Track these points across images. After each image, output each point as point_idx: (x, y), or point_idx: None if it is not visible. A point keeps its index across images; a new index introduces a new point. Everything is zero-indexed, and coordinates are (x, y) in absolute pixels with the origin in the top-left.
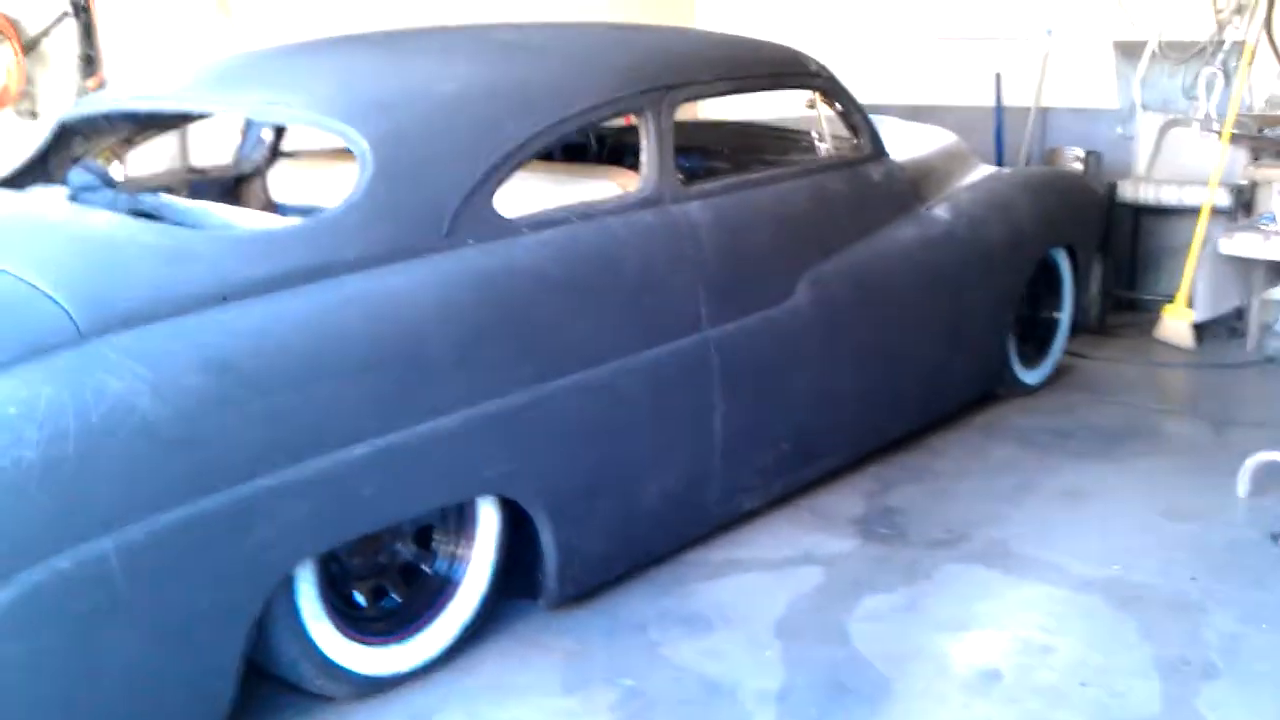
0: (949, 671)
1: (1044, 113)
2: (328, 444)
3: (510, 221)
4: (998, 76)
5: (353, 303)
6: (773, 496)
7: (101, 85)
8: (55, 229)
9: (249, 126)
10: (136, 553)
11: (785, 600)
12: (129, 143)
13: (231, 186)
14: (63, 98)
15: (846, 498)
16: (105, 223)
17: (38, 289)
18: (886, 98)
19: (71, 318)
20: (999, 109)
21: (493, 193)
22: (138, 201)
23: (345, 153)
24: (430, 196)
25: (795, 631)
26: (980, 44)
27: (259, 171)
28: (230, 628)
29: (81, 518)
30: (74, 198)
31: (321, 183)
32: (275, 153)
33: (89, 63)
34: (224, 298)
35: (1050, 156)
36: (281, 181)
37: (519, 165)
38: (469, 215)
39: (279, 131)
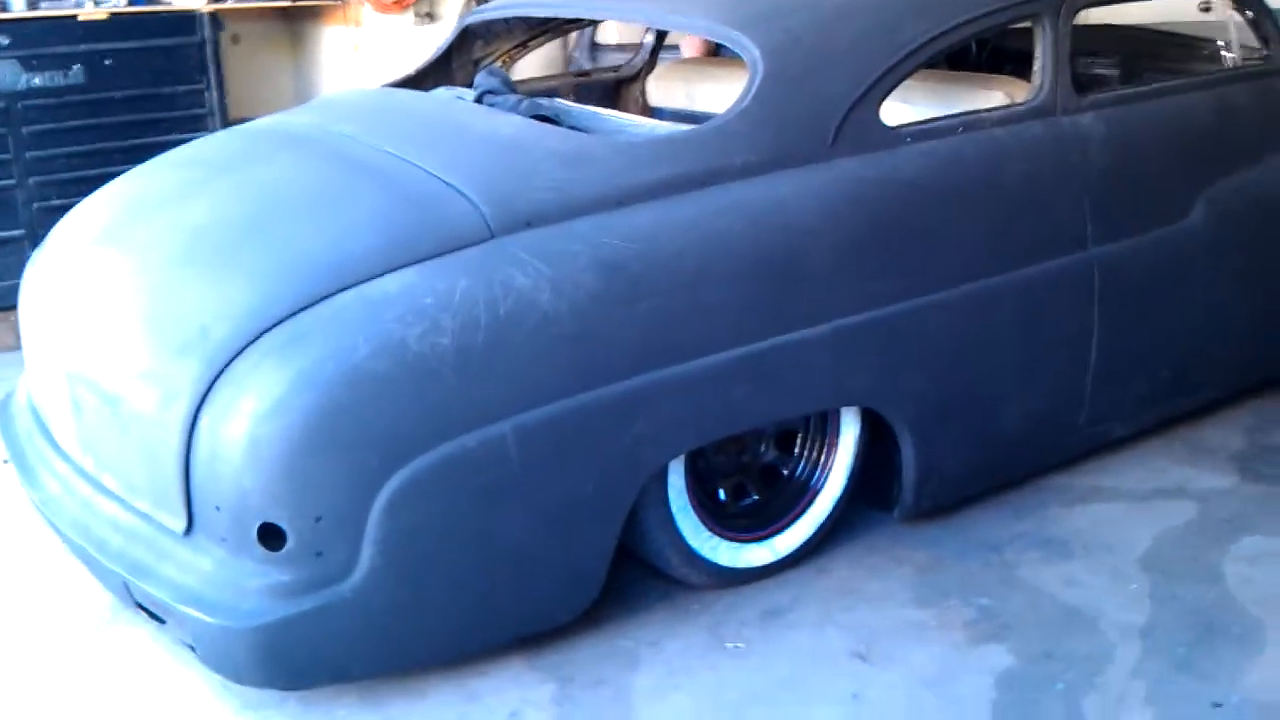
0: None
1: None
2: (707, 346)
3: (895, 131)
4: None
5: (738, 211)
6: (1145, 425)
7: None
8: (466, 131)
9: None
10: (531, 437)
11: (1153, 534)
12: (524, 46)
13: (612, 90)
14: (458, 2)
15: (1225, 432)
16: (511, 126)
17: (453, 187)
18: None
19: (484, 216)
20: None
21: (879, 102)
22: (538, 106)
23: (721, 59)
24: (817, 105)
25: (1163, 567)
26: None
27: (638, 76)
28: (608, 512)
29: (486, 402)
30: (479, 100)
31: (698, 88)
32: (654, 57)
33: None
34: (619, 201)
35: None
36: (659, 86)
37: (907, 74)
38: (854, 125)
39: (660, 37)
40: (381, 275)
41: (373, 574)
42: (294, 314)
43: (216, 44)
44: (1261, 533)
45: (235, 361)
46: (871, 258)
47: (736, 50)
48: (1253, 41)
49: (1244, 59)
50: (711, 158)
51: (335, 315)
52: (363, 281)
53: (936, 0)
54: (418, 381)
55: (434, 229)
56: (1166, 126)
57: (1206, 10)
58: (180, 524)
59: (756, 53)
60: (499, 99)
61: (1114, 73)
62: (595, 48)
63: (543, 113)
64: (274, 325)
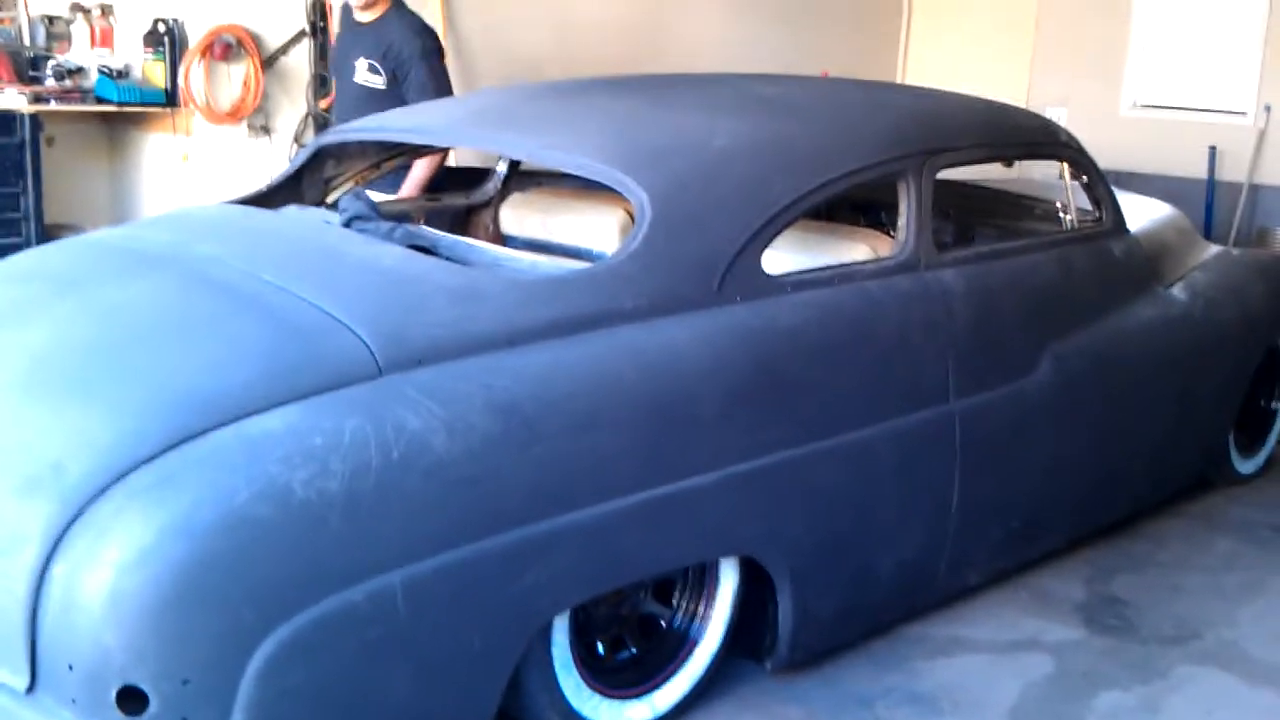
0: None
1: (1256, 190)
2: (598, 493)
3: (775, 280)
4: (1212, 150)
5: (629, 354)
6: (996, 573)
7: (331, 106)
8: (343, 259)
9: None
10: (420, 589)
11: (1016, 689)
12: (377, 168)
13: (464, 216)
14: (293, 116)
15: (1066, 581)
16: (391, 256)
17: (338, 319)
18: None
19: (372, 352)
20: (1211, 183)
21: (761, 250)
22: (413, 235)
23: (574, 189)
24: (704, 251)
25: None
26: (1189, 116)
27: (491, 203)
28: (495, 669)
29: (375, 552)
30: (347, 225)
31: (554, 219)
32: (506, 187)
33: (322, 83)
34: (510, 340)
35: (1261, 235)
36: (513, 215)
37: (787, 224)
38: (739, 272)
39: (513, 166)
40: (262, 411)
41: None
42: (163, 451)
43: (36, 146)
44: (1117, 687)
45: (95, 503)
46: (756, 405)
47: (622, 192)
48: (1086, 204)
49: (1081, 220)
50: (602, 299)
51: (211, 454)
52: (240, 418)
53: (807, 156)
54: (303, 530)
55: (318, 363)
56: (1017, 284)
57: (1009, 166)
58: (22, 682)
59: (644, 196)
60: (369, 225)
61: (968, 228)
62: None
63: (418, 242)
64: (140, 463)
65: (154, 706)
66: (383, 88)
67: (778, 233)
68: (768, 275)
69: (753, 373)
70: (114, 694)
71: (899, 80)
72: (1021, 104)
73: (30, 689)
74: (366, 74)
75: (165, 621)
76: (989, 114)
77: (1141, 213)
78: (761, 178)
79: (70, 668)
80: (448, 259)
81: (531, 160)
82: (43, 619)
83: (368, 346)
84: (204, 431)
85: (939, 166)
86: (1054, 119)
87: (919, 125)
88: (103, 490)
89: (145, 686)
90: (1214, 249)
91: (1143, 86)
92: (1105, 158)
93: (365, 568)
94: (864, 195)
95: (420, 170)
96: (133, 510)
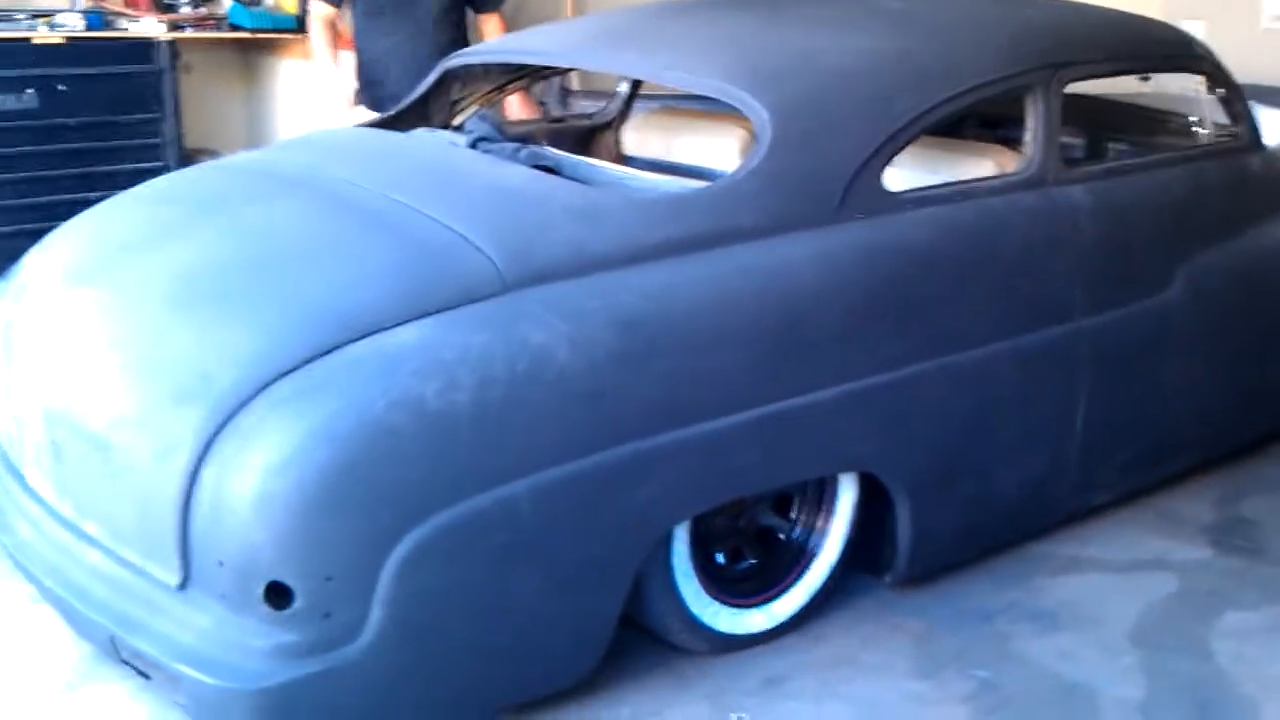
0: None
1: None
2: (718, 408)
3: (896, 197)
4: None
5: (748, 272)
6: (1123, 493)
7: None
8: (471, 179)
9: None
10: (545, 498)
11: (1138, 606)
12: (501, 90)
13: (586, 137)
14: None
15: (1196, 503)
16: (517, 176)
17: (465, 238)
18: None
19: (498, 269)
20: None
21: (882, 167)
22: (537, 155)
23: (694, 109)
24: (824, 169)
25: (1153, 641)
26: None
27: (612, 124)
28: (616, 575)
29: (501, 461)
30: (474, 146)
31: (675, 140)
32: (628, 107)
33: None
34: (632, 259)
35: None
36: (635, 135)
37: (909, 141)
38: (858, 189)
39: (635, 86)
40: (395, 326)
41: (381, 636)
42: (304, 364)
43: (174, 73)
44: (1244, 608)
45: (241, 411)
46: (874, 323)
47: (744, 111)
48: (1223, 119)
49: (1216, 135)
50: (722, 217)
51: (350, 366)
52: (376, 332)
53: (932, 71)
54: (435, 439)
55: (448, 280)
56: (1149, 200)
57: (1146, 80)
58: (175, 578)
59: (766, 115)
60: (494, 146)
61: (1100, 143)
62: (566, 93)
63: (543, 163)
64: (283, 375)
65: (299, 601)
66: None
67: (899, 150)
68: (889, 192)
69: (872, 290)
70: (262, 589)
71: None
72: (1157, 17)
73: (183, 585)
74: None
75: (308, 522)
76: (1120, 26)
77: None
78: (882, 95)
79: (220, 564)
80: (571, 179)
81: (653, 80)
82: (194, 520)
83: (494, 263)
84: (341, 345)
85: (1067, 81)
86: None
87: (1047, 39)
88: (249, 400)
89: (291, 582)
90: None
91: None
92: (1245, 72)
93: (493, 475)
94: (994, 110)
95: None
96: (277, 418)
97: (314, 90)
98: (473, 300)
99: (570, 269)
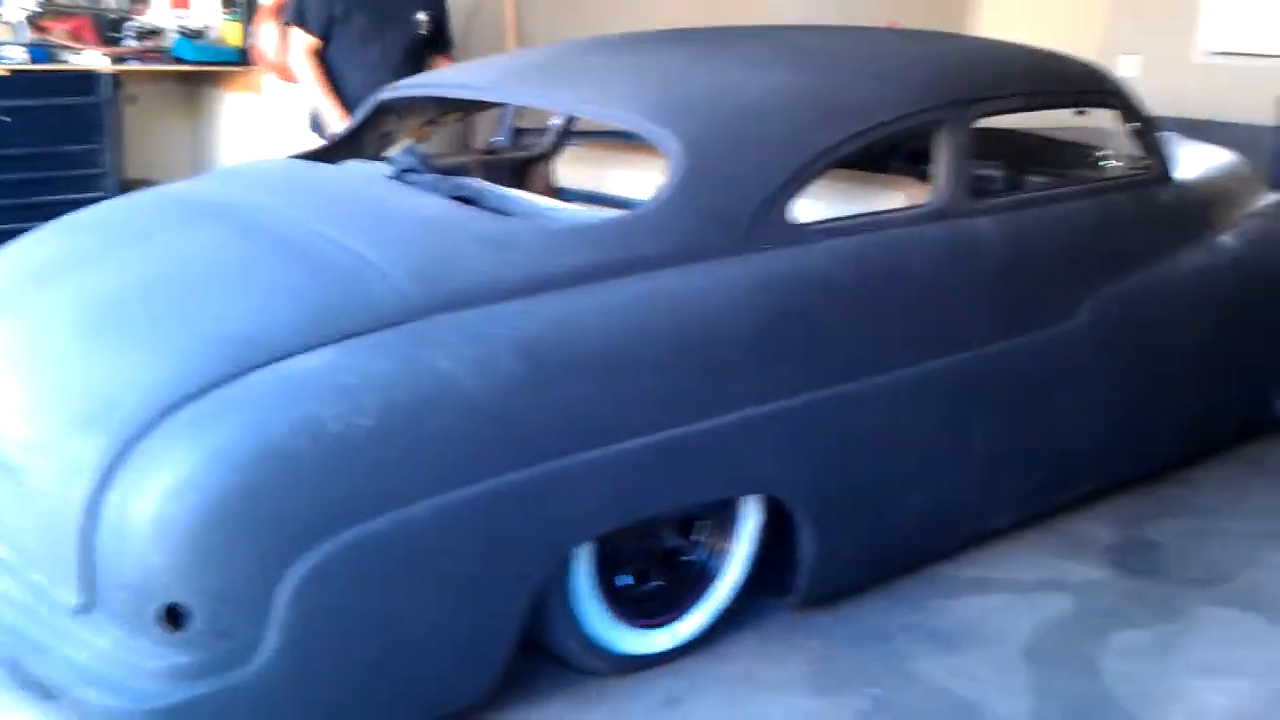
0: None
1: None
2: (623, 432)
3: (803, 228)
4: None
5: (654, 300)
6: (1025, 516)
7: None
8: (389, 209)
9: (503, 116)
10: (447, 520)
11: (1034, 626)
12: (434, 123)
13: (520, 169)
14: None
15: (1099, 525)
16: (434, 206)
17: (377, 266)
18: (1155, 110)
19: (407, 296)
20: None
21: (790, 199)
22: (458, 186)
23: (626, 143)
24: (732, 200)
25: (1045, 659)
26: (1261, 61)
27: (546, 157)
28: (515, 596)
29: (403, 484)
30: (398, 177)
31: (607, 172)
32: (561, 140)
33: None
34: (541, 286)
35: None
36: (568, 168)
37: (818, 173)
38: (766, 221)
39: (569, 120)
40: (301, 352)
41: (277, 657)
42: (208, 389)
43: (116, 105)
44: (1137, 627)
45: (144, 436)
46: (779, 350)
47: (656, 143)
48: (1133, 151)
49: (1126, 168)
50: (631, 247)
51: (252, 391)
52: (281, 357)
53: (841, 106)
54: (335, 462)
55: (356, 307)
56: (1055, 231)
57: (1081, 114)
58: (78, 600)
59: (677, 147)
60: (418, 177)
61: (1008, 175)
62: (518, 132)
63: (463, 193)
64: (187, 400)
65: (195, 623)
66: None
67: (807, 183)
68: (795, 224)
69: (775, 318)
70: (158, 610)
71: (974, 29)
72: (1095, 53)
73: (85, 608)
74: (427, 25)
75: (205, 544)
76: (1031, 63)
77: (1200, 161)
78: (791, 129)
79: (120, 587)
80: (490, 209)
81: (573, 114)
82: (97, 543)
83: (403, 290)
84: (246, 371)
85: (975, 116)
86: (1128, 67)
87: (956, 75)
88: (152, 425)
89: (187, 604)
90: (1272, 197)
91: (1216, 33)
92: (1178, 106)
93: (393, 499)
94: (913, 143)
95: None
96: (177, 443)
97: (258, 122)
98: (380, 326)
99: (479, 296)
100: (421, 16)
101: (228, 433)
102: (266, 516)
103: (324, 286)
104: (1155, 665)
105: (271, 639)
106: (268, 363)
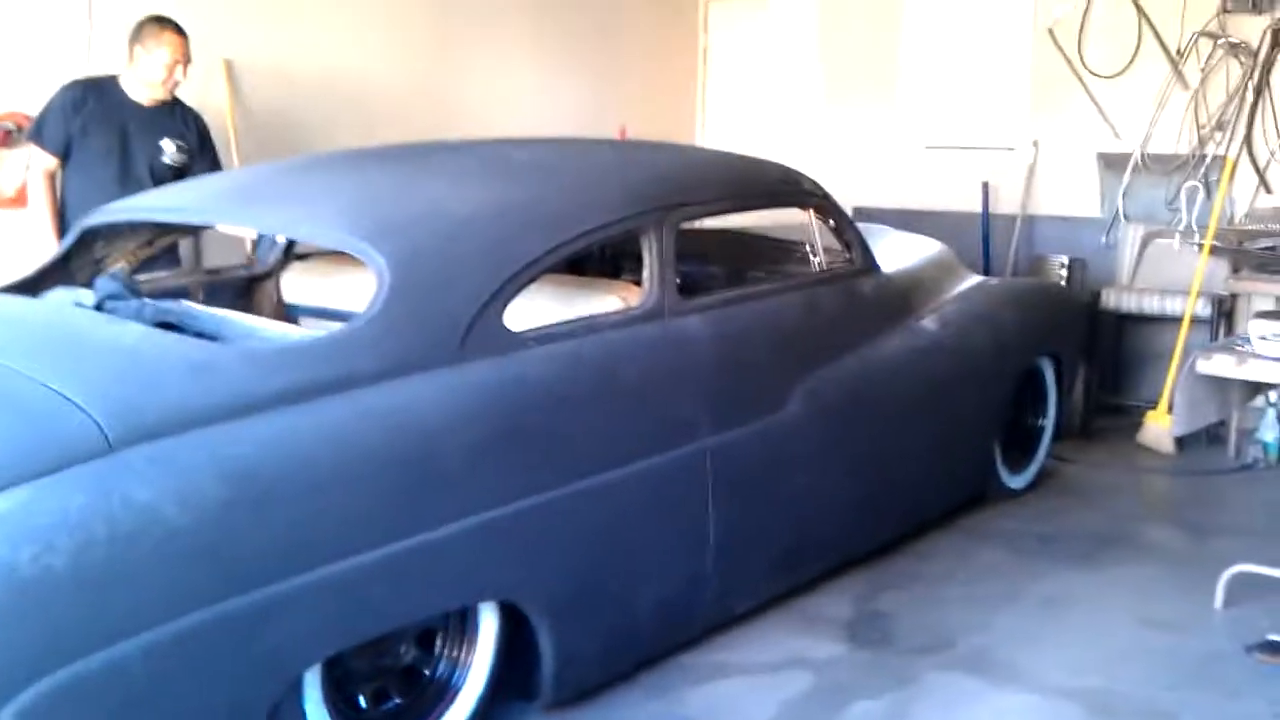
0: None
1: (1030, 221)
2: (342, 550)
3: (518, 335)
4: (985, 185)
5: (368, 415)
6: (764, 598)
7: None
8: (84, 340)
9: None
10: (159, 655)
11: (774, 706)
12: (149, 245)
13: (245, 288)
14: None
15: (835, 601)
16: (132, 334)
17: (69, 400)
18: (879, 202)
19: (101, 429)
20: (985, 217)
21: (503, 308)
22: (162, 312)
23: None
24: (443, 312)
25: None
26: (969, 153)
27: (271, 274)
28: None
29: (108, 622)
30: (100, 306)
31: (332, 286)
32: (287, 256)
33: None
34: (247, 409)
35: (1036, 264)
36: (293, 284)
37: (528, 282)
38: (479, 330)
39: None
40: None
41: None
42: None
43: None
44: (870, 697)
45: None
46: (502, 456)
47: (364, 260)
48: (836, 246)
49: (830, 263)
50: (340, 364)
51: None
52: None
53: (548, 215)
54: (31, 606)
55: (48, 444)
56: (763, 325)
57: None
58: None
59: (382, 262)
60: (121, 304)
61: (719, 274)
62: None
63: (168, 319)
64: None
65: None
66: (188, 164)
67: (518, 291)
68: (510, 331)
69: (495, 424)
70: None
71: (698, 134)
72: (810, 149)
73: None
74: (175, 154)
75: None
76: (731, 168)
77: (906, 250)
78: (499, 240)
79: None
80: (198, 333)
81: (281, 234)
82: None
83: (97, 424)
84: None
85: (679, 220)
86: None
87: (659, 182)
88: None
89: None
90: (973, 280)
91: (925, 129)
92: (896, 197)
93: (99, 638)
94: (623, 249)
95: None
96: None
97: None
98: (74, 462)
99: (180, 424)
100: (167, 144)
101: None
102: None
103: (14, 426)
104: None
105: None
106: None
